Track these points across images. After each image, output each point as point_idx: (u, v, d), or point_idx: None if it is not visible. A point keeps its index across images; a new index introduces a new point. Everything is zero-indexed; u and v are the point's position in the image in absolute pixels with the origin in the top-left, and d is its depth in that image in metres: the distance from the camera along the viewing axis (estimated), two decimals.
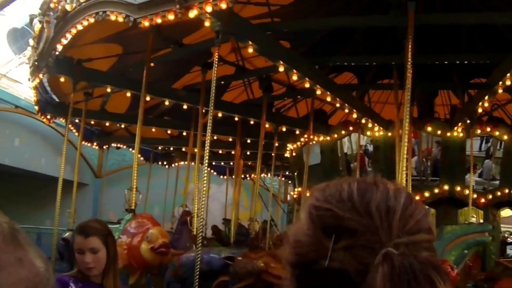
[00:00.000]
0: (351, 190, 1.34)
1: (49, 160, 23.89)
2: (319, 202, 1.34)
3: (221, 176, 25.04)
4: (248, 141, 18.74)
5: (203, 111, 12.83)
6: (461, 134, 14.37)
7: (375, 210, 1.28)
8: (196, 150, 15.58)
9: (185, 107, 15.00)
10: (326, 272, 1.25)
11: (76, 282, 4.21)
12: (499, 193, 15.00)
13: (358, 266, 1.22)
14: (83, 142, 16.69)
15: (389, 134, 14.72)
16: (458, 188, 14.42)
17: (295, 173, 18.73)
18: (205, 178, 9.48)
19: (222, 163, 24.01)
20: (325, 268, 1.24)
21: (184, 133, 18.63)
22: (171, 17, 8.32)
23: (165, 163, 23.10)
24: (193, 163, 18.12)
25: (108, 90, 14.02)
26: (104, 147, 20.56)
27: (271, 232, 16.62)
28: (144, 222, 10.55)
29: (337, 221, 1.28)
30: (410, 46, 8.78)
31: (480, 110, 13.63)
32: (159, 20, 9.12)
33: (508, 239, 22.90)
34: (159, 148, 22.11)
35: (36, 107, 15.84)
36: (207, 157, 9.18)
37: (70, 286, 4.16)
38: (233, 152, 20.14)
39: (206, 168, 9.32)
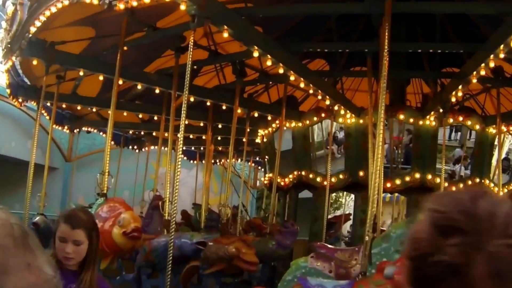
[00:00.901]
0: (463, 197, 1.59)
1: (19, 143, 23.69)
2: (437, 206, 1.61)
3: (191, 161, 25.01)
4: (219, 126, 18.75)
5: (176, 95, 12.80)
6: (433, 123, 14.47)
7: (482, 215, 1.52)
8: (166, 134, 15.56)
9: (157, 91, 14.93)
10: (438, 264, 1.51)
11: None
12: (470, 182, 15.14)
13: (465, 260, 1.47)
14: (54, 126, 16.52)
15: (361, 121, 14.79)
16: (430, 177, 14.54)
17: (266, 159, 18.75)
18: (179, 163, 9.45)
19: (193, 148, 23.99)
20: (438, 261, 1.51)
21: (155, 118, 18.58)
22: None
23: (135, 147, 23.04)
24: (163, 148, 18.13)
25: (81, 73, 13.90)
26: (75, 131, 20.43)
27: (241, 218, 16.67)
28: (116, 207, 10.48)
29: (450, 222, 1.54)
30: (386, 34, 8.78)
31: (453, 100, 13.72)
32: (134, 3, 9.07)
33: None
34: (130, 132, 22.04)
35: (8, 90, 15.67)
36: (181, 142, 9.14)
37: None
38: (203, 137, 20.13)
39: (180, 153, 9.29)
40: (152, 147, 22.03)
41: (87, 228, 4.21)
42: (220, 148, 22.96)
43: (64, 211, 4.45)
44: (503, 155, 15.70)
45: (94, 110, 18.48)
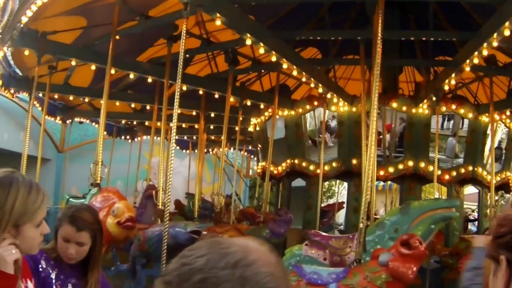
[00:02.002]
0: None
1: (12, 135, 23.62)
2: None
3: (184, 150, 25.00)
4: (212, 115, 18.73)
5: (168, 84, 12.78)
6: (426, 111, 14.49)
7: None
8: (159, 124, 15.54)
9: (149, 80, 14.90)
10: None
11: (48, 260, 4.08)
12: (463, 170, 15.19)
13: None
14: (46, 117, 16.47)
15: (354, 109, 14.81)
16: (423, 165, 14.57)
17: (259, 148, 18.75)
18: (172, 153, 9.43)
19: (185, 137, 23.98)
20: None
21: (148, 107, 18.57)
22: None
23: (128, 137, 23.03)
24: (156, 137, 18.11)
25: (73, 63, 13.86)
26: (68, 121, 20.40)
27: (234, 207, 16.69)
28: (109, 196, 10.47)
29: None
30: (380, 22, 8.78)
31: (446, 88, 13.74)
32: None
33: (470, 216, 23.23)
34: (122, 122, 22.02)
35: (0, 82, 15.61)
36: (174, 131, 9.11)
37: (41, 264, 4.03)
38: (196, 126, 20.12)
39: (173, 142, 9.27)
40: (144, 137, 21.99)
41: (92, 229, 4.13)
42: (212, 137, 22.95)
43: (69, 209, 4.27)
44: (496, 144, 15.73)
45: (86, 100, 18.46)
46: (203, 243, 1.51)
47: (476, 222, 21.06)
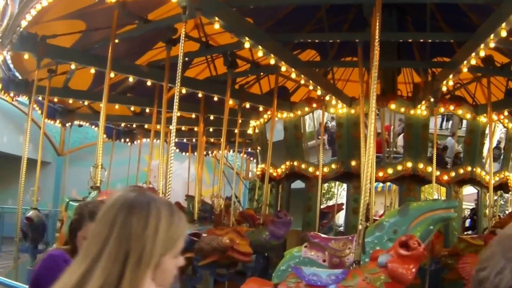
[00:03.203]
0: None
1: (11, 138, 23.69)
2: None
3: (183, 153, 25.04)
4: (211, 117, 18.78)
5: (167, 87, 12.81)
6: (424, 112, 14.54)
7: None
8: (158, 127, 15.57)
9: (148, 83, 14.94)
10: None
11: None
12: (461, 171, 15.23)
13: None
14: (45, 120, 16.52)
15: (352, 111, 14.86)
16: (421, 165, 14.62)
17: (258, 150, 18.79)
18: (172, 155, 9.48)
19: (185, 140, 24.03)
20: None
21: (147, 110, 18.61)
22: None
23: (127, 140, 23.06)
24: (155, 140, 18.15)
25: (72, 67, 13.90)
26: (67, 124, 20.41)
27: (234, 209, 16.72)
28: None
29: None
30: (377, 24, 8.81)
31: (444, 89, 13.78)
32: None
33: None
34: (122, 125, 22.05)
35: None
36: (174, 134, 9.16)
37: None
38: (195, 129, 20.17)
39: (173, 145, 9.32)
40: (144, 140, 22.04)
41: None
42: (212, 140, 23.01)
43: (85, 206, 4.26)
44: (494, 144, 15.77)
45: (85, 103, 18.51)
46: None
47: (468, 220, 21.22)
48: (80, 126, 21.44)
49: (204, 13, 9.75)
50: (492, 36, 9.93)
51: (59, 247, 4.23)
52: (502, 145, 16.38)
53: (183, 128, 20.94)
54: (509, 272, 1.60)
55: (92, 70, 13.93)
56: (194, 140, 23.33)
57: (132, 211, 2.34)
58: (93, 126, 21.46)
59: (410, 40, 14.89)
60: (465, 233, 18.02)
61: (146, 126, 21.46)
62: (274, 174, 16.65)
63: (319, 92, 14.38)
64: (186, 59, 13.31)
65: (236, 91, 16.01)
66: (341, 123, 15.16)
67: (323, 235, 9.96)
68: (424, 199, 16.97)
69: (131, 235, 2.27)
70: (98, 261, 2.22)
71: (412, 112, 14.56)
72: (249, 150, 25.52)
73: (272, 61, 12.14)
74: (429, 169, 14.05)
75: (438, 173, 14.08)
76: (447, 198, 15.45)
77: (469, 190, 18.03)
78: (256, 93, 17.53)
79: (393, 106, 14.58)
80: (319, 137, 15.29)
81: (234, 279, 12.92)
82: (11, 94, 16.08)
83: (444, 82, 12.99)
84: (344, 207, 17.01)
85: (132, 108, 19.85)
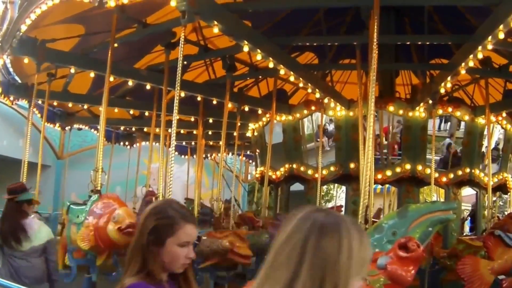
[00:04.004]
0: None
1: (11, 142, 23.70)
2: None
3: (182, 156, 25.07)
4: (210, 121, 18.81)
5: (166, 91, 12.84)
6: (423, 114, 14.59)
7: None
8: (158, 130, 15.61)
9: (148, 87, 14.98)
10: None
11: None
12: (460, 172, 15.27)
13: None
14: (45, 124, 16.56)
15: (351, 113, 14.90)
16: (420, 167, 14.66)
17: (257, 153, 18.83)
18: (172, 158, 9.52)
19: (184, 143, 24.06)
20: None
21: (146, 114, 18.65)
22: None
23: (126, 143, 23.09)
24: (155, 143, 18.18)
25: (72, 70, 13.93)
26: (67, 128, 20.44)
27: (233, 212, 16.76)
28: (110, 203, 10.50)
29: None
30: (375, 26, 8.85)
31: (442, 91, 13.82)
32: (125, 0, 9.14)
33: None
34: (121, 128, 22.08)
35: None
36: (174, 137, 9.23)
37: None
38: (194, 132, 20.21)
39: (173, 148, 9.37)
40: (143, 143, 22.07)
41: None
42: (211, 143, 23.03)
43: (173, 208, 3.65)
44: (493, 145, 15.80)
45: (85, 107, 18.55)
46: None
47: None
48: (79, 129, 21.48)
49: (203, 17, 9.80)
50: (490, 38, 9.98)
51: (133, 276, 3.47)
52: (500, 146, 16.42)
53: (182, 131, 20.97)
54: None
55: (92, 74, 13.94)
56: (193, 143, 23.36)
57: (324, 233, 2.20)
58: (92, 130, 21.48)
59: (408, 42, 14.95)
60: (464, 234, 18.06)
61: (145, 129, 21.49)
62: (273, 176, 16.69)
63: (317, 95, 14.43)
64: (185, 62, 13.35)
65: (235, 94, 16.05)
66: (339, 125, 15.19)
67: None
68: (423, 201, 16.98)
69: (326, 261, 2.14)
70: None
71: (410, 114, 14.59)
72: (248, 153, 25.54)
73: (271, 64, 12.16)
74: (428, 170, 14.09)
75: (436, 174, 14.14)
76: (445, 199, 15.49)
77: (468, 192, 18.07)
78: (255, 96, 17.57)
79: (391, 108, 14.61)
80: (318, 139, 15.34)
81: (234, 282, 12.96)
82: (11, 98, 16.10)
83: (442, 84, 13.03)
84: (343, 209, 17.04)
85: (132, 112, 19.91)
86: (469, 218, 21.63)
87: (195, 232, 3.65)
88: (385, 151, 14.96)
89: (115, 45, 11.82)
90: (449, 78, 12.66)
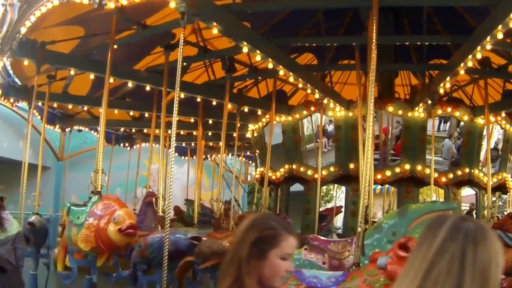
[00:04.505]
0: None
1: (11, 143, 23.72)
2: None
3: (182, 157, 25.09)
4: (210, 122, 18.83)
5: (166, 92, 12.84)
6: (422, 114, 14.62)
7: None
8: (158, 131, 15.62)
9: (147, 88, 14.99)
10: None
11: None
12: (459, 172, 15.29)
13: None
14: (45, 125, 16.57)
15: (350, 114, 14.94)
16: (419, 167, 14.68)
17: (257, 153, 18.85)
18: (172, 159, 9.53)
19: (184, 144, 24.08)
20: None
21: (146, 115, 18.66)
22: None
23: (126, 144, 23.11)
24: (155, 145, 18.20)
25: (72, 72, 13.93)
26: (67, 130, 20.45)
27: (233, 212, 16.75)
28: (110, 204, 10.52)
29: None
30: (374, 27, 8.86)
31: (441, 91, 13.83)
32: (124, 2, 9.14)
33: None
34: (121, 130, 22.10)
35: None
36: (174, 139, 9.23)
37: None
38: (194, 133, 20.23)
39: (173, 149, 9.38)
40: (143, 144, 22.08)
41: None
42: (211, 144, 23.06)
43: (272, 220, 3.55)
44: (492, 145, 15.82)
45: (85, 108, 18.56)
46: None
47: None
48: (79, 131, 21.51)
49: (202, 18, 9.81)
50: (488, 38, 9.98)
51: None
52: (500, 146, 16.44)
53: (182, 132, 20.98)
54: None
55: (91, 76, 13.96)
56: (193, 144, 23.40)
57: (478, 244, 2.24)
58: (92, 131, 21.52)
59: (407, 43, 14.97)
60: None
61: (145, 130, 21.53)
62: (273, 177, 16.72)
63: (317, 96, 14.46)
64: (185, 63, 13.37)
65: (234, 95, 16.06)
66: (339, 126, 15.23)
67: (322, 238, 10.03)
68: (423, 201, 17.00)
69: (483, 272, 2.19)
70: None
71: (409, 114, 14.63)
72: (248, 153, 25.59)
73: (270, 65, 12.18)
74: (427, 171, 14.11)
75: (436, 175, 14.17)
76: (445, 200, 15.51)
77: (467, 192, 18.09)
78: (255, 97, 17.58)
79: (390, 108, 14.64)
80: (318, 140, 15.37)
81: None
82: (11, 100, 16.11)
83: (441, 85, 13.04)
84: (343, 209, 17.07)
85: (131, 113, 19.92)
86: None
87: (296, 244, 3.52)
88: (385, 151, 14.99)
89: (115, 46, 11.82)
90: (448, 79, 12.67)
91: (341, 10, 14.26)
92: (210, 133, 20.56)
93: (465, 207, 21.47)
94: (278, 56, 12.21)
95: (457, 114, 15.09)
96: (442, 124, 15.34)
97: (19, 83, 15.57)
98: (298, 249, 9.36)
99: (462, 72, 12.14)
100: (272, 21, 14.67)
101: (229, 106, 15.38)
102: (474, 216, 19.79)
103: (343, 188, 17.46)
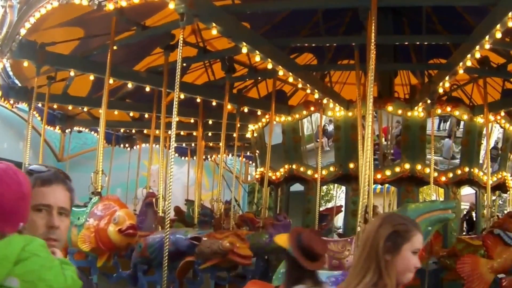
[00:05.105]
0: None
1: (11, 145, 23.72)
2: None
3: (182, 157, 25.10)
4: (210, 122, 18.84)
5: (166, 93, 12.85)
6: (421, 114, 14.63)
7: None
8: (158, 132, 15.64)
9: (147, 89, 15.01)
10: None
11: None
12: (459, 172, 15.30)
13: None
14: (45, 126, 16.60)
15: (350, 114, 14.94)
16: (419, 167, 14.69)
17: (257, 154, 18.86)
18: (172, 160, 9.55)
19: (184, 144, 24.09)
20: None
21: (146, 116, 18.67)
22: None
23: (127, 145, 23.13)
24: (155, 145, 18.21)
25: (72, 73, 13.96)
26: (67, 131, 20.45)
27: (234, 213, 16.76)
28: (110, 205, 10.56)
29: None
30: (373, 27, 8.87)
31: (441, 90, 13.84)
32: (123, 3, 9.17)
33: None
34: (121, 130, 22.11)
35: None
36: (174, 139, 9.25)
37: None
38: (194, 134, 20.24)
39: (173, 150, 9.40)
40: (143, 145, 22.09)
41: None
42: (211, 144, 23.05)
43: (398, 217, 3.61)
44: (492, 144, 15.83)
45: (85, 109, 18.58)
46: None
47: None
48: (79, 132, 21.51)
49: (201, 19, 9.84)
50: (487, 37, 10.01)
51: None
52: (499, 145, 16.44)
53: (182, 132, 20.99)
54: None
55: (91, 77, 13.98)
56: (193, 144, 23.39)
57: None
58: (92, 132, 21.54)
59: (407, 43, 14.99)
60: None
61: (145, 131, 21.53)
62: (273, 177, 16.73)
63: (316, 96, 14.47)
64: (184, 64, 13.39)
65: (234, 95, 16.08)
66: (339, 126, 15.24)
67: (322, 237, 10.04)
68: (423, 200, 17.01)
69: None
70: None
71: (409, 114, 14.64)
72: (248, 153, 25.59)
73: (270, 66, 12.20)
74: (427, 170, 14.12)
75: (436, 174, 14.18)
76: (445, 199, 15.52)
77: (467, 191, 18.09)
78: (254, 97, 17.59)
79: (390, 108, 14.65)
80: (318, 140, 15.38)
81: (234, 282, 13.00)
82: (11, 101, 16.13)
83: (441, 84, 13.05)
84: (343, 209, 17.08)
85: (131, 114, 19.94)
86: (465, 219, 21.70)
87: (422, 241, 3.57)
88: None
89: (115, 47, 11.86)
90: (447, 78, 12.68)
91: (341, 10, 14.27)
92: (210, 134, 20.56)
93: (464, 206, 21.50)
94: (278, 56, 12.23)
95: (457, 113, 15.09)
96: (442, 123, 15.34)
97: (19, 84, 15.58)
98: None
99: (461, 71, 12.16)
100: (272, 21, 14.67)
101: (229, 106, 15.41)
102: (474, 215, 19.89)
103: (344, 187, 17.46)
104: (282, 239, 4.92)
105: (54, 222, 2.76)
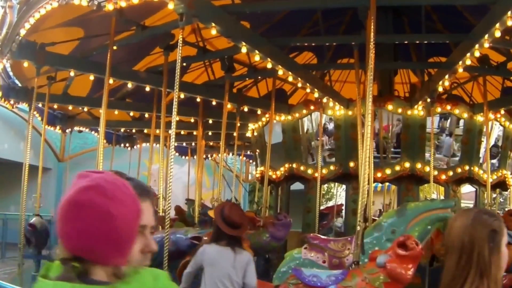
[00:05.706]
0: None
1: (12, 145, 23.76)
2: None
3: (183, 157, 25.13)
4: (210, 121, 18.85)
5: (166, 92, 12.86)
6: (421, 112, 14.63)
7: None
8: (158, 131, 15.64)
9: (147, 89, 15.02)
10: None
11: None
12: (459, 170, 15.31)
13: None
14: (46, 127, 16.61)
15: (350, 112, 14.95)
16: (419, 165, 14.70)
17: (257, 153, 18.87)
18: (172, 159, 9.56)
19: (184, 144, 24.11)
20: None
21: (146, 115, 18.68)
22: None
23: (127, 145, 23.15)
24: (155, 145, 18.22)
25: (72, 73, 13.96)
26: (67, 131, 20.47)
27: None
28: None
29: None
30: (372, 26, 8.88)
31: (441, 89, 13.84)
32: (123, 3, 9.18)
33: None
34: (121, 130, 22.13)
35: None
36: (173, 139, 9.27)
37: None
38: (195, 133, 20.25)
39: (173, 149, 9.41)
40: (143, 144, 22.11)
41: None
42: (211, 143, 23.07)
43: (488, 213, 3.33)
44: (492, 142, 15.84)
45: (85, 109, 18.59)
46: None
47: None
48: (80, 132, 21.51)
49: (201, 19, 9.86)
50: (486, 36, 10.02)
51: None
52: (499, 143, 16.44)
53: (182, 132, 21.01)
54: None
55: (91, 77, 13.99)
56: (193, 144, 23.41)
57: None
58: (93, 132, 21.56)
59: (406, 42, 14.99)
60: None
61: (145, 131, 21.55)
62: (274, 176, 16.74)
63: (316, 95, 14.47)
64: (184, 64, 13.39)
65: (234, 95, 16.09)
66: (339, 124, 15.24)
67: (322, 237, 10.06)
68: (423, 199, 17.02)
69: None
70: None
71: (409, 112, 14.64)
72: (248, 153, 25.59)
73: (269, 65, 12.21)
74: (427, 168, 14.13)
75: (436, 172, 14.20)
76: (445, 197, 15.52)
77: (467, 189, 18.08)
78: (254, 97, 17.60)
79: (390, 106, 14.65)
80: (318, 138, 15.38)
81: None
82: (11, 102, 16.14)
83: (441, 82, 13.05)
84: (343, 207, 17.08)
85: (132, 113, 19.95)
86: None
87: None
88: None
89: (114, 47, 11.86)
90: (447, 76, 12.68)
91: (340, 9, 14.27)
92: (210, 133, 20.56)
93: (464, 204, 21.51)
94: (277, 56, 12.24)
95: (457, 111, 15.09)
96: (442, 122, 15.35)
97: (19, 84, 15.60)
98: (298, 248, 9.41)
99: (461, 70, 12.17)
100: (271, 21, 14.67)
101: (229, 105, 15.42)
102: None
103: (344, 186, 17.47)
104: (211, 211, 5.69)
105: (152, 246, 2.31)
